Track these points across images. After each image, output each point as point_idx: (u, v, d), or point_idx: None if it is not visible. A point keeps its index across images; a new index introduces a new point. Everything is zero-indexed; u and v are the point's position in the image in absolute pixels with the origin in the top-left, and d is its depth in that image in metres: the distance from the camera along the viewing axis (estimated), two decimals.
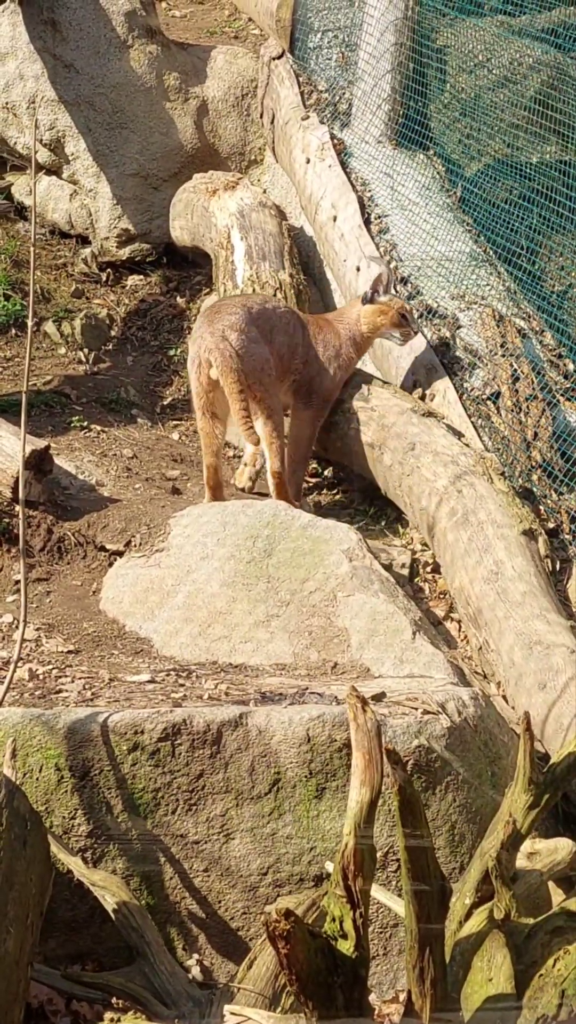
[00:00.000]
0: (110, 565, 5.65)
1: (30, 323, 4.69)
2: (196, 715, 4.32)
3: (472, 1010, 3.23)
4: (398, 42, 7.45)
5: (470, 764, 4.44)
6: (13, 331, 7.32)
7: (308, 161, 7.43)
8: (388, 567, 5.79)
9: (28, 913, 3.71)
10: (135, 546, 5.65)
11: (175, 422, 7.01)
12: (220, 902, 4.31)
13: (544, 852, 3.51)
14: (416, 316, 6.52)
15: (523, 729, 3.29)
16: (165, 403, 7.19)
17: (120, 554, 5.68)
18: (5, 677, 4.30)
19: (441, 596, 5.77)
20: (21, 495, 4.87)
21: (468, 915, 3.30)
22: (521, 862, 3.48)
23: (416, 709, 4.47)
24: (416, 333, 6.37)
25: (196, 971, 4.25)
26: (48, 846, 3.97)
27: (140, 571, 5.52)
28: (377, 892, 3.48)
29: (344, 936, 2.98)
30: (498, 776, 4.48)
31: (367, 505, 6.37)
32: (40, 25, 8.14)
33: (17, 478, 5.61)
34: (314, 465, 6.56)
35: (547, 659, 5.13)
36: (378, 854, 3.87)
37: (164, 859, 4.27)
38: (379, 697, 4.54)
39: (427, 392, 6.44)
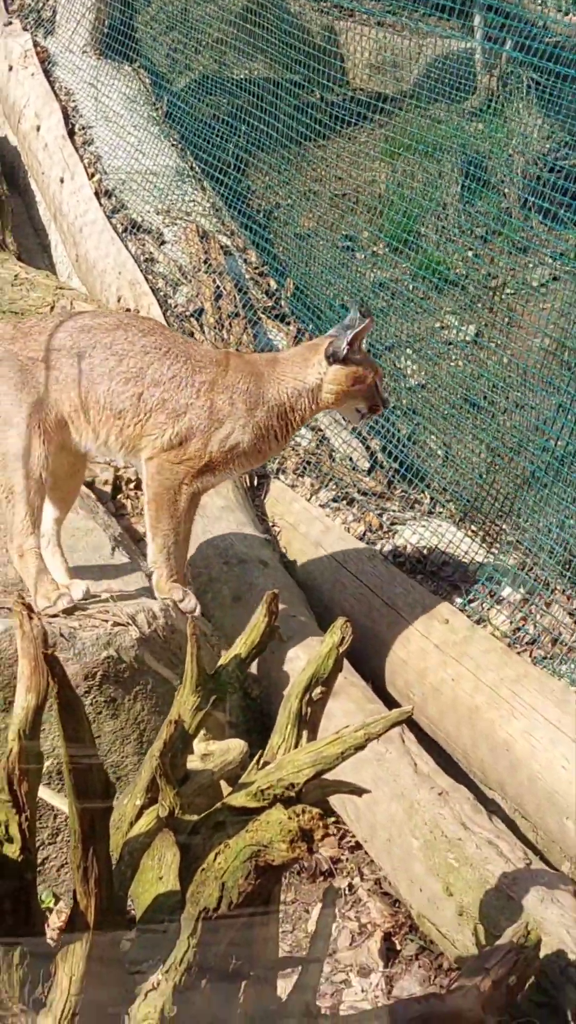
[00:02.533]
0: None
1: None
2: None
3: (143, 907, 3.30)
4: None
5: (160, 673, 4.49)
6: None
7: (11, 68, 7.21)
8: (90, 484, 5.77)
9: None
10: None
11: None
12: None
13: (217, 753, 3.60)
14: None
15: (190, 633, 3.35)
16: None
17: None
18: None
19: (143, 512, 5.77)
20: None
21: (138, 816, 3.36)
22: (196, 764, 3.56)
23: (107, 621, 4.48)
24: (386, 407, 4.82)
25: None
26: None
27: None
28: (45, 793, 3.50)
29: (10, 840, 2.99)
30: None
31: None
32: None
33: None
34: None
35: (243, 573, 5.23)
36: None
37: None
38: (71, 610, 4.53)
39: (132, 308, 6.39)
